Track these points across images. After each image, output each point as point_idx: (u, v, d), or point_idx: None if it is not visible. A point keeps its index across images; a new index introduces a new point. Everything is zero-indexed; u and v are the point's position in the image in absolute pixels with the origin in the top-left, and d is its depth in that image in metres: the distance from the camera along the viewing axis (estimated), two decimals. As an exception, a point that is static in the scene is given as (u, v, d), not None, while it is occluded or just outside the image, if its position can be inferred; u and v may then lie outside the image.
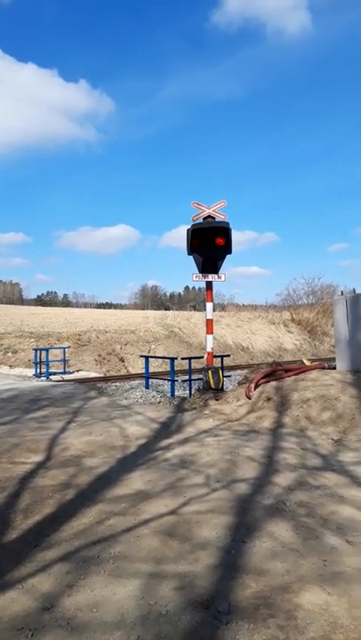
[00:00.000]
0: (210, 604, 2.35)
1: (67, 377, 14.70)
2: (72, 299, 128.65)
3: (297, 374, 7.88)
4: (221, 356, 11.32)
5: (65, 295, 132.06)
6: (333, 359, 9.14)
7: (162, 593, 2.46)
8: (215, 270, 9.03)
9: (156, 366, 16.73)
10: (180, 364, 13.83)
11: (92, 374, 15.75)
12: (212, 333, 9.13)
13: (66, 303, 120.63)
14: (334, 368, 8.54)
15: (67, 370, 15.61)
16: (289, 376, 7.84)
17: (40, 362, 15.11)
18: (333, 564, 2.74)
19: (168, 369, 11.93)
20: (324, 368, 8.41)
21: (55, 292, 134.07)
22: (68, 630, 2.17)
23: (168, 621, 2.23)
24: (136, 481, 4.22)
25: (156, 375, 13.18)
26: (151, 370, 13.03)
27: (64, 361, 15.60)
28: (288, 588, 2.49)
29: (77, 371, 16.22)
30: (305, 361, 9.76)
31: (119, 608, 2.34)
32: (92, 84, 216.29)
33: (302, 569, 2.68)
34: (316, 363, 9.58)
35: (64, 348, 16.06)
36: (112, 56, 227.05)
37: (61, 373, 15.09)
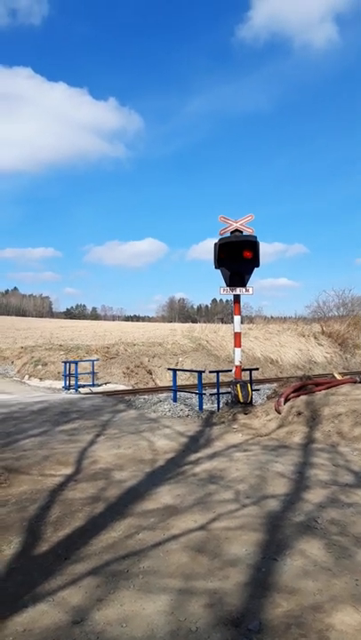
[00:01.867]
0: (240, 621, 2.32)
1: (95, 389, 14.85)
2: (100, 312, 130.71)
3: (328, 388, 7.74)
4: (250, 370, 11.25)
5: (94, 308, 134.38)
6: (365, 373, 8.93)
7: (192, 609, 2.45)
8: (243, 284, 8.99)
9: (183, 379, 16.72)
10: (208, 377, 13.81)
11: (121, 387, 15.86)
12: (240, 347, 9.07)
13: (95, 316, 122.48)
14: (366, 382, 8.35)
15: (95, 382, 15.77)
16: (319, 390, 7.71)
17: (69, 374, 15.33)
18: (368, 585, 2.66)
19: (196, 381, 11.92)
20: (355, 382, 8.24)
21: (84, 305, 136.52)
22: (98, 644, 2.18)
23: (198, 638, 2.21)
24: (165, 495, 4.21)
25: (184, 388, 13.17)
26: (179, 382, 13.04)
27: (93, 373, 15.77)
28: (320, 607, 2.43)
29: (106, 383, 16.36)
30: (336, 375, 9.58)
31: (149, 623, 2.33)
32: (121, 101, 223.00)
33: (335, 588, 2.61)
34: (348, 377, 9.39)
35: (93, 361, 16.24)
36: (140, 73, 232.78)
37: (90, 386, 15.25)
